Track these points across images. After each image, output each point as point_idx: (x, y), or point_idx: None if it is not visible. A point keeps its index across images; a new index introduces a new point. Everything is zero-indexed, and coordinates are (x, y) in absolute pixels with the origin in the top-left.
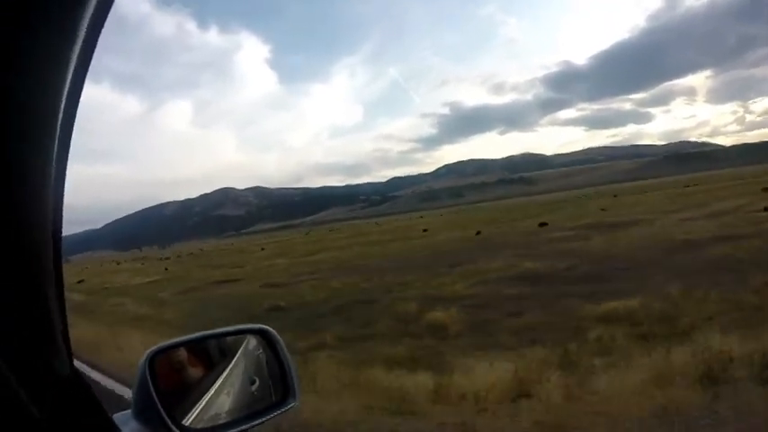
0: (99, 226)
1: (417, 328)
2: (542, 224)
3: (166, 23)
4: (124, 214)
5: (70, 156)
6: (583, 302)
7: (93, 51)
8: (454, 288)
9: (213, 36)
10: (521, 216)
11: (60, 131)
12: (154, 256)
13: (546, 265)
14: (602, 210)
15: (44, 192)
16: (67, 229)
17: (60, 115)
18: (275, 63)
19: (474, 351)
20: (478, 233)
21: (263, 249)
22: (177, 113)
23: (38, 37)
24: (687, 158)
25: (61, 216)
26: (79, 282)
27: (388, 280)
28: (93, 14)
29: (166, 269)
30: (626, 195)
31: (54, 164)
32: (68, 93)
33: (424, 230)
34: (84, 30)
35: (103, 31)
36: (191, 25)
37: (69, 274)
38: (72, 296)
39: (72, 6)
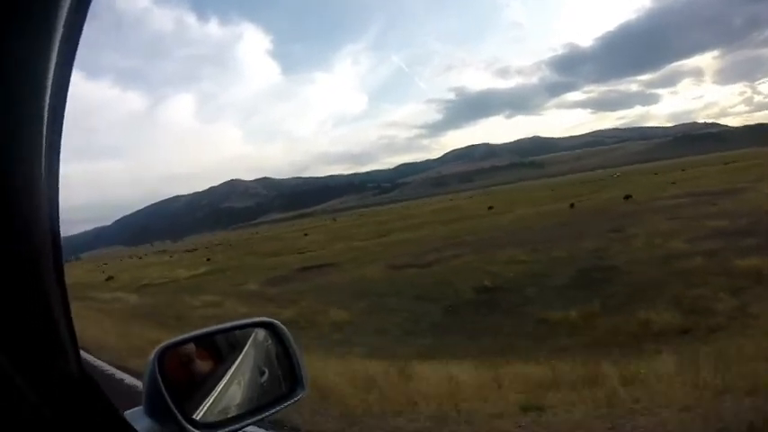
0: (109, 223)
1: None
2: (627, 197)
3: (166, 18)
4: (132, 210)
5: (76, 155)
6: None
7: (76, 45)
8: (674, 245)
9: (213, 28)
10: (582, 192)
11: (48, 128)
12: (173, 249)
13: (724, 224)
14: (673, 183)
15: (36, 190)
16: (77, 228)
17: (46, 112)
18: (277, 53)
19: None
20: (572, 206)
21: (306, 235)
22: (181, 107)
23: (14, 33)
24: (698, 139)
25: (57, 214)
26: (108, 279)
27: (567, 248)
28: (71, 7)
29: (208, 260)
30: (666, 174)
31: (43, 161)
32: (53, 88)
33: (490, 208)
34: (63, 23)
35: (103, 27)
36: (190, 18)
37: (86, 270)
38: (121, 297)
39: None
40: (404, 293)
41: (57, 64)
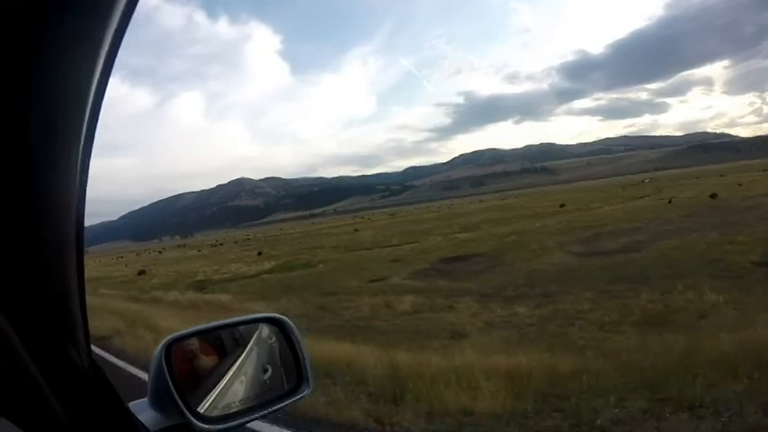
0: (115, 218)
1: None
2: (713, 195)
3: (176, 15)
4: (140, 206)
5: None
6: None
7: (116, 52)
8: None
9: (223, 27)
10: (645, 193)
11: (86, 129)
12: (193, 244)
13: None
14: (740, 185)
15: (69, 187)
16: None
17: (87, 114)
18: (286, 53)
19: None
20: (670, 201)
21: (356, 231)
22: (190, 106)
23: (67, 39)
24: (710, 149)
25: (83, 210)
26: (140, 273)
27: (755, 231)
28: (120, 17)
29: (260, 254)
30: (705, 179)
31: (79, 160)
32: (95, 92)
33: (562, 205)
34: (113, 30)
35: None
36: (200, 16)
37: (103, 263)
38: (206, 299)
39: (100, 7)
40: (693, 275)
41: (101, 67)
